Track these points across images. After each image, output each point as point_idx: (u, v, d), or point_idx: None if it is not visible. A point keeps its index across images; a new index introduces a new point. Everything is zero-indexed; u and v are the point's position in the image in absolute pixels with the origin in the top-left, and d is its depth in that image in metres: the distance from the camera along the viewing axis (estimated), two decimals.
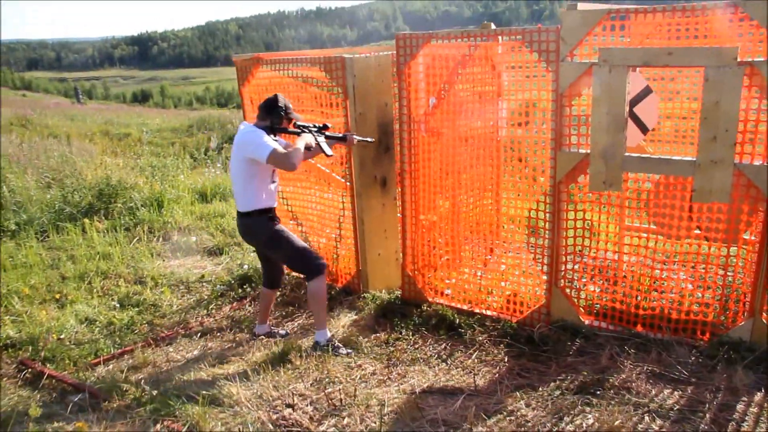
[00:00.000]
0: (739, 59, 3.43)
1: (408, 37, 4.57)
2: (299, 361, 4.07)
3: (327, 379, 3.80)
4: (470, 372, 4.02)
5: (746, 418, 3.29)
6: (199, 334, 4.89)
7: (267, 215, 4.33)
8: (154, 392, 3.62)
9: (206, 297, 5.67)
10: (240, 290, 5.70)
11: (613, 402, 3.46)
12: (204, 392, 3.58)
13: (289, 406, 3.44)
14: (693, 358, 3.85)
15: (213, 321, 5.16)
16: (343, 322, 4.91)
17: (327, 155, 4.33)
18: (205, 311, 5.36)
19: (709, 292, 4.09)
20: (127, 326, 5.07)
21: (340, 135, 4.55)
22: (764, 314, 3.80)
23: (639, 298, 4.19)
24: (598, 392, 3.58)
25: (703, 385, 3.60)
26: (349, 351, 4.30)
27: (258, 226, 4.33)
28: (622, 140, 3.84)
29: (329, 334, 4.40)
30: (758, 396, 3.47)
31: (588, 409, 3.41)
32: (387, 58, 5.12)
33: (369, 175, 5.19)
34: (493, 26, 4.32)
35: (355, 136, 4.61)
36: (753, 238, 4.08)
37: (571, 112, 4.03)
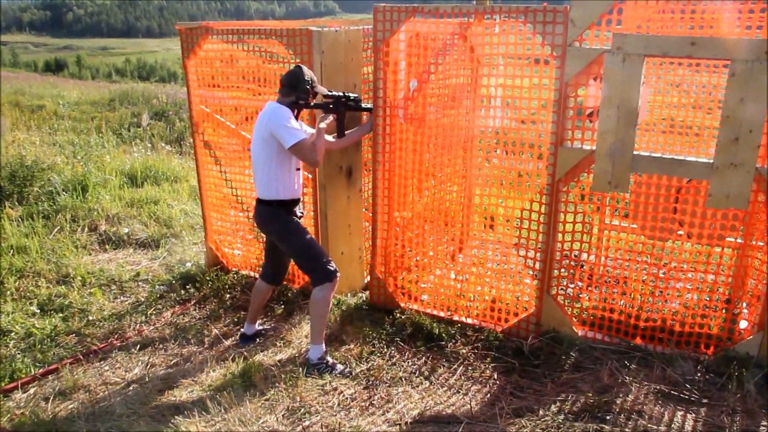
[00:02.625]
0: None
1: (389, 9, 4.02)
2: (264, 384, 3.50)
3: (302, 409, 3.26)
4: (458, 392, 3.59)
5: None
6: (138, 347, 4.21)
7: (285, 207, 3.90)
8: None
9: (143, 299, 4.97)
10: (183, 291, 5.03)
11: (627, 429, 3.11)
12: None
13: None
14: (699, 375, 3.56)
15: (153, 329, 4.48)
16: (305, 331, 4.36)
17: (339, 136, 4.20)
18: (144, 317, 4.66)
19: (716, 302, 3.81)
20: (50, 337, 4.32)
21: (366, 106, 4.27)
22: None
23: (639, 308, 3.86)
24: (608, 417, 3.23)
25: (716, 407, 3.31)
26: (346, 369, 3.78)
27: (273, 215, 3.90)
28: (632, 137, 3.47)
29: (324, 349, 3.85)
30: None
31: None
32: (357, 33, 4.56)
33: (334, 165, 4.63)
34: (489, 2, 3.84)
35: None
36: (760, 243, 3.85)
37: (576, 103, 3.61)
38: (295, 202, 3.97)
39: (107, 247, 6.12)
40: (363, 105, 4.25)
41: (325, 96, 4.04)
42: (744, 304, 3.99)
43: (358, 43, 4.56)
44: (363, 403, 3.38)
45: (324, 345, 3.84)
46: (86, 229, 6.37)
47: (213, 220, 5.42)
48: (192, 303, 4.86)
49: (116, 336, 4.37)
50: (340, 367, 3.77)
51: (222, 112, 5.09)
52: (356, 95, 4.19)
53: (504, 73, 3.94)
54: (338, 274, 3.87)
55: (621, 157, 3.50)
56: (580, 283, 4.14)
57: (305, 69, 3.83)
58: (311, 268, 3.87)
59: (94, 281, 5.21)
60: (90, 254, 5.88)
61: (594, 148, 3.58)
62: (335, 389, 3.50)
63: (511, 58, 3.97)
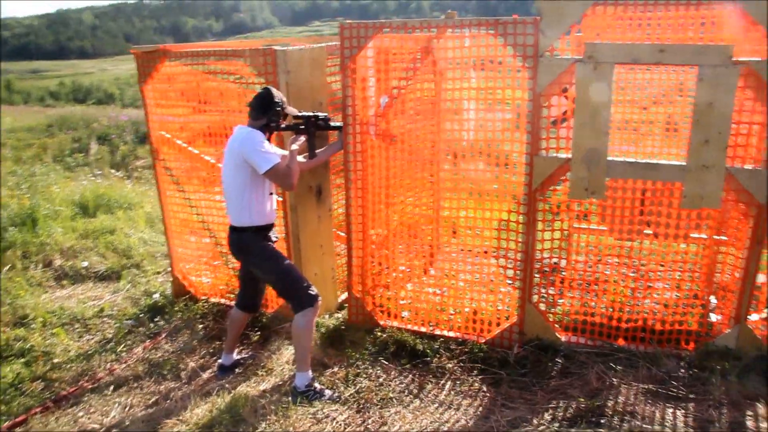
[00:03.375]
0: (734, 58, 3.20)
1: (355, 26, 3.98)
2: (254, 417, 3.38)
3: None
4: (449, 407, 3.56)
5: None
6: (111, 387, 4.02)
7: (261, 233, 3.80)
8: None
9: (111, 336, 4.75)
10: (152, 325, 4.84)
11: (623, 431, 3.14)
12: None
13: None
14: (683, 371, 3.64)
15: (126, 367, 4.28)
16: (285, 357, 4.26)
17: (311, 157, 4.09)
18: (114, 355, 4.46)
19: (693, 299, 3.90)
20: (14, 386, 4.06)
21: (336, 125, 4.18)
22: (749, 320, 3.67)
23: (621, 310, 3.92)
24: (602, 420, 3.26)
25: (703, 401, 3.38)
26: (335, 394, 3.69)
27: (249, 242, 3.78)
28: (606, 144, 3.52)
29: (311, 376, 3.74)
30: (761, 409, 3.31)
31: None
32: (321, 51, 4.50)
33: (304, 184, 4.54)
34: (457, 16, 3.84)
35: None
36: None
37: (549, 113, 3.65)
38: (270, 227, 3.88)
39: (65, 282, 5.85)
40: (332, 123, 4.19)
41: (295, 117, 3.97)
42: (713, 299, 4.12)
43: (323, 60, 4.50)
44: (358, 429, 3.30)
45: (310, 371, 3.74)
46: (40, 265, 6.08)
47: (178, 248, 5.24)
48: (163, 336, 4.68)
49: (86, 378, 4.16)
50: (328, 392, 3.69)
51: (173, 134, 4.95)
52: (325, 114, 4.13)
53: (477, 86, 3.95)
54: (320, 299, 3.78)
55: (596, 163, 3.55)
56: (561, 290, 4.17)
57: (274, 90, 3.74)
58: (292, 294, 3.77)
59: (55, 321, 4.96)
60: (47, 292, 5.60)
61: (569, 156, 3.62)
62: (327, 416, 3.41)
63: (483, 71, 3.98)
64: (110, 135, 14.41)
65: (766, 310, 3.77)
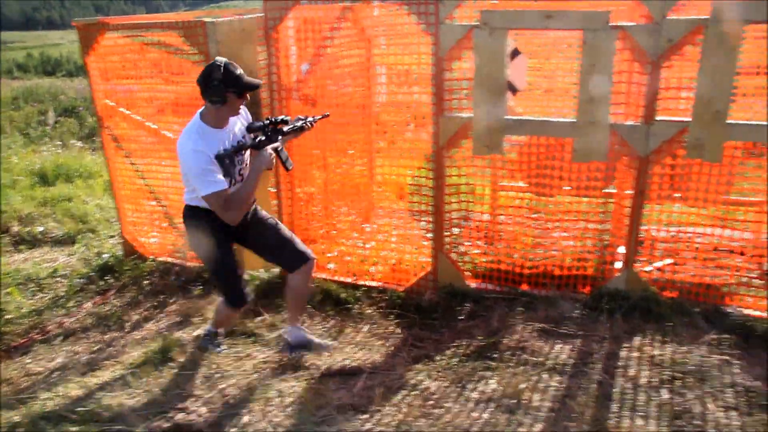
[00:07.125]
0: (611, 23, 3.52)
1: None
2: (183, 356, 3.73)
3: (218, 374, 3.51)
4: (363, 347, 3.91)
5: (630, 363, 3.49)
6: (60, 338, 4.33)
7: (198, 214, 3.40)
8: (16, 417, 3.12)
9: (63, 294, 5.05)
10: (102, 282, 5.14)
11: (511, 364, 3.52)
12: (79, 409, 3.15)
13: (180, 410, 3.13)
14: (577, 312, 4.02)
15: (75, 321, 4.59)
16: None
17: (287, 169, 3.59)
18: (64, 310, 4.76)
19: (589, 247, 4.26)
20: None
21: (301, 125, 3.60)
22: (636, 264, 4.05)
23: (524, 258, 4.29)
24: (495, 355, 3.63)
25: (589, 337, 3.77)
26: (221, 346, 3.90)
27: (186, 219, 3.50)
28: (503, 104, 3.84)
29: (216, 330, 3.93)
30: (637, 341, 3.70)
31: (489, 373, 3.45)
32: (252, 22, 4.74)
33: None
34: None
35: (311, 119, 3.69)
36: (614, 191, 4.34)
37: (451, 76, 3.95)
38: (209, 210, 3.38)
39: (22, 247, 6.11)
40: (297, 124, 3.60)
41: (250, 129, 3.36)
42: (619, 248, 4.49)
43: (253, 31, 4.73)
44: (275, 365, 3.65)
45: (215, 328, 3.91)
46: None
47: (127, 212, 5.52)
48: (112, 292, 4.99)
49: (37, 331, 4.47)
50: (223, 347, 3.87)
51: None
52: (285, 117, 3.51)
53: (394, 51, 4.24)
54: (247, 302, 3.65)
55: (494, 122, 3.87)
56: (469, 241, 4.53)
57: (217, 66, 3.14)
58: (220, 287, 3.90)
59: (10, 281, 5.24)
60: (4, 256, 5.86)
61: (471, 115, 3.94)
62: (248, 355, 3.76)
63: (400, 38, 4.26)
64: (77, 107, 14.46)
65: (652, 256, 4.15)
